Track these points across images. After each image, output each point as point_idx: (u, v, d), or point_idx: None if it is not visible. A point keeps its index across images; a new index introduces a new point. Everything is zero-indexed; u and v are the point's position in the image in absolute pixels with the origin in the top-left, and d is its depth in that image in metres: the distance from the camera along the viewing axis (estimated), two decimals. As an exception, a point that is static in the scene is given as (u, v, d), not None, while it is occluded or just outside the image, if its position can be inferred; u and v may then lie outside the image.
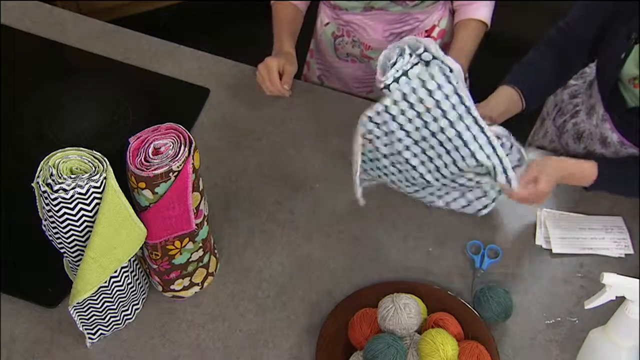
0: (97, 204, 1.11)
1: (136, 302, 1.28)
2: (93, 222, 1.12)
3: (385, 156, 1.34)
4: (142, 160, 1.11)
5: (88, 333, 1.24)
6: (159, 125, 1.15)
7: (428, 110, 1.25)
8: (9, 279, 1.31)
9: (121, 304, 1.24)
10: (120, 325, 1.28)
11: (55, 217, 1.11)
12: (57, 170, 1.09)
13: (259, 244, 1.40)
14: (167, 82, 1.66)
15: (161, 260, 1.22)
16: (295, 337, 1.28)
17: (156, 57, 1.71)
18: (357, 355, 1.20)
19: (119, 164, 1.13)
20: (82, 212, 1.10)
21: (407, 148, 1.30)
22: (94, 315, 1.22)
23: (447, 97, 1.24)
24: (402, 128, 1.28)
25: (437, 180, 1.33)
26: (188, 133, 1.14)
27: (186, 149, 1.12)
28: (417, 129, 1.28)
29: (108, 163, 1.12)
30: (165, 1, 3.03)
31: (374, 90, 1.77)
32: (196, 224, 1.20)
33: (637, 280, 1.04)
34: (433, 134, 1.27)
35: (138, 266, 1.25)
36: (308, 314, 1.30)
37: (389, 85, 1.27)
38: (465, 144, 1.26)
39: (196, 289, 1.32)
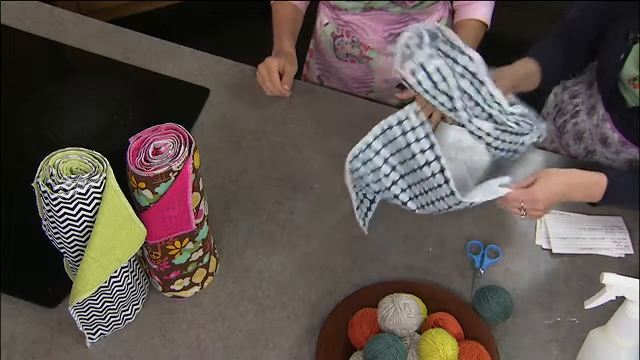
0: (97, 204, 1.11)
1: (136, 302, 1.28)
2: (93, 222, 1.12)
3: (377, 192, 1.35)
4: (142, 160, 1.11)
5: (88, 333, 1.24)
6: (159, 125, 1.15)
7: (409, 145, 1.26)
8: (9, 279, 1.31)
9: (121, 304, 1.24)
10: (120, 325, 1.28)
11: (55, 217, 1.11)
12: (57, 170, 1.09)
13: (259, 244, 1.40)
14: (167, 82, 1.66)
15: (161, 260, 1.22)
16: (295, 337, 1.28)
17: (156, 57, 1.71)
18: (357, 355, 1.20)
19: (119, 164, 1.13)
20: (82, 212, 1.10)
21: (395, 182, 1.31)
22: (94, 315, 1.22)
23: (417, 140, 1.25)
24: (386, 161, 1.29)
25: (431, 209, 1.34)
26: (188, 133, 1.14)
27: (186, 149, 1.12)
28: (402, 162, 1.29)
29: (108, 163, 1.12)
30: (165, 1, 3.03)
31: (373, 91, 1.77)
32: (196, 224, 1.20)
33: (637, 280, 1.04)
34: (415, 170, 1.28)
35: (138, 266, 1.25)
36: (308, 314, 1.30)
37: (411, 84, 1.28)
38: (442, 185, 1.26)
39: (196, 289, 1.32)
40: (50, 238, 1.19)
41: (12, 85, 1.63)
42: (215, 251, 1.34)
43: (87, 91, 1.65)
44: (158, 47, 1.74)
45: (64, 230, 1.13)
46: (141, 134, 1.14)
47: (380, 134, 1.27)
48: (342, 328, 1.25)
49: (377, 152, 1.29)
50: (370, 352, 1.16)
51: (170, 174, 1.11)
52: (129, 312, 1.27)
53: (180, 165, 1.11)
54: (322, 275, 1.36)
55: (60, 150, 1.12)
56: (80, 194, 1.08)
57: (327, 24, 1.72)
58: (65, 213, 1.10)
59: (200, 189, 1.19)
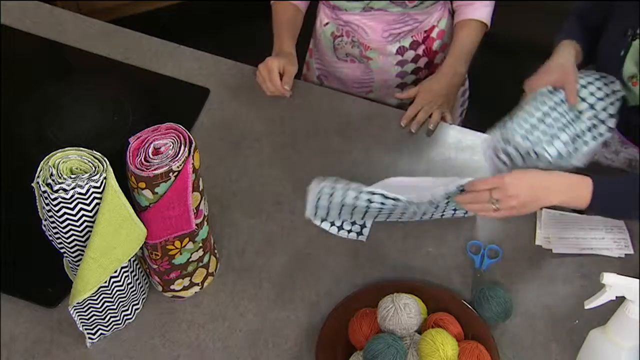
0: (97, 204, 1.11)
1: (136, 302, 1.28)
2: (93, 222, 1.12)
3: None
4: (142, 160, 1.11)
5: (88, 333, 1.24)
6: (159, 125, 1.15)
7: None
8: (9, 279, 1.31)
9: (121, 304, 1.24)
10: (120, 325, 1.28)
11: (55, 217, 1.11)
12: (57, 170, 1.09)
13: (259, 244, 1.40)
14: (167, 82, 1.66)
15: (161, 260, 1.22)
16: (295, 337, 1.28)
17: (156, 57, 1.71)
18: (357, 355, 1.20)
19: (119, 164, 1.13)
20: (82, 212, 1.10)
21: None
22: (94, 315, 1.22)
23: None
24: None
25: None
26: (188, 133, 1.14)
27: (186, 149, 1.12)
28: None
29: (108, 163, 1.12)
30: (165, 1, 3.03)
31: (373, 91, 1.77)
32: (196, 224, 1.20)
33: (637, 280, 1.04)
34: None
35: (138, 266, 1.25)
36: (308, 314, 1.30)
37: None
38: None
39: (196, 289, 1.32)
40: (50, 238, 1.19)
41: (12, 85, 1.63)
42: (215, 251, 1.34)
43: (87, 91, 1.65)
44: (158, 47, 1.74)
45: (64, 230, 1.13)
46: (141, 134, 1.14)
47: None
48: (342, 328, 1.25)
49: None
50: (370, 352, 1.16)
51: (170, 174, 1.11)
52: (129, 312, 1.27)
53: (180, 165, 1.11)
54: (322, 275, 1.36)
55: (60, 150, 1.12)
56: (80, 194, 1.08)
57: (327, 23, 1.72)
58: (65, 213, 1.10)
59: (200, 189, 1.19)
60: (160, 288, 1.30)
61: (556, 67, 1.36)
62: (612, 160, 1.49)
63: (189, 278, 1.29)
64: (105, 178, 1.10)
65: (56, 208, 1.09)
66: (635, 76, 1.33)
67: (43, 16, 1.79)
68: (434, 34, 1.68)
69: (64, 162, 1.10)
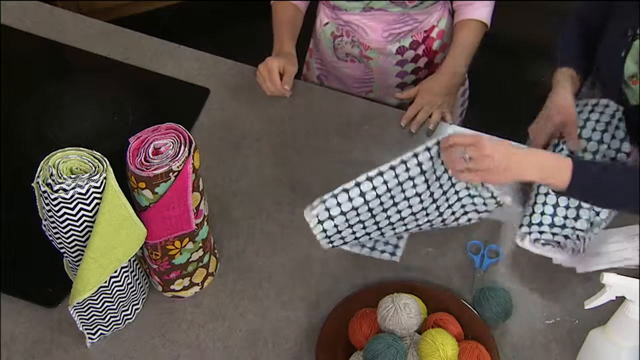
0: (97, 204, 1.11)
1: (136, 302, 1.28)
2: (93, 222, 1.12)
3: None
4: (142, 160, 1.11)
5: (88, 333, 1.24)
6: (159, 125, 1.15)
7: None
8: (9, 279, 1.31)
9: (121, 304, 1.24)
10: (120, 325, 1.27)
11: (55, 217, 1.11)
12: (57, 170, 1.09)
13: (259, 244, 1.40)
14: (167, 82, 1.66)
15: (161, 260, 1.22)
16: (295, 337, 1.28)
17: (156, 57, 1.71)
18: (357, 355, 1.20)
19: (119, 164, 1.13)
20: (82, 212, 1.10)
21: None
22: (94, 315, 1.22)
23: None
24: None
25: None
26: (188, 133, 1.14)
27: (186, 149, 1.12)
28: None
29: (108, 163, 1.12)
30: (165, 1, 3.03)
31: (373, 90, 1.77)
32: (196, 224, 1.20)
33: (637, 280, 1.04)
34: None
35: (138, 266, 1.25)
36: (308, 314, 1.30)
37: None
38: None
39: (196, 289, 1.32)
40: (50, 238, 1.19)
41: (12, 85, 1.63)
42: (215, 251, 1.34)
43: (87, 91, 1.65)
44: (158, 47, 1.74)
45: (64, 230, 1.13)
46: (141, 134, 1.14)
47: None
48: (342, 328, 1.25)
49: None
50: (370, 352, 1.16)
51: (170, 174, 1.11)
52: (129, 312, 1.27)
53: (180, 165, 1.11)
54: (322, 275, 1.36)
55: (60, 150, 1.12)
56: (80, 194, 1.08)
57: (326, 23, 1.72)
58: (65, 213, 1.10)
59: (200, 189, 1.19)
60: (160, 288, 1.30)
61: (557, 110, 1.37)
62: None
63: (189, 278, 1.29)
64: (105, 178, 1.10)
65: (56, 208, 1.09)
66: (635, 75, 1.33)
67: (43, 16, 1.79)
68: (433, 34, 1.68)
69: (64, 162, 1.10)
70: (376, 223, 1.31)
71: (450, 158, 1.24)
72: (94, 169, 1.11)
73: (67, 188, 1.08)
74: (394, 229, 1.33)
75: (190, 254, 1.24)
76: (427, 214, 1.33)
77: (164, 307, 1.31)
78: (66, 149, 1.12)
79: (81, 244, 1.15)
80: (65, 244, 1.16)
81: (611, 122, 1.39)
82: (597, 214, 1.35)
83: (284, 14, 1.68)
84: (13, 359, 1.24)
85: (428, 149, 1.26)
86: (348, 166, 1.49)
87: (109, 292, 1.19)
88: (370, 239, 1.34)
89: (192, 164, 1.13)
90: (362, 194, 1.26)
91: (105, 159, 1.12)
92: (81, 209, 1.10)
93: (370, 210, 1.28)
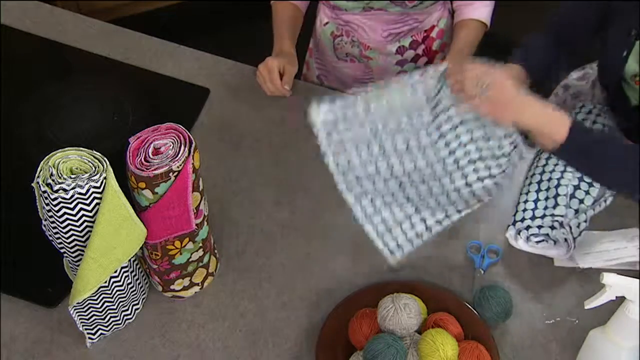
0: (97, 204, 1.11)
1: (136, 302, 1.28)
2: (93, 222, 1.12)
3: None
4: (142, 160, 1.11)
5: (88, 333, 1.24)
6: (159, 125, 1.15)
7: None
8: (9, 279, 1.31)
9: (121, 304, 1.24)
10: (120, 325, 1.28)
11: (55, 217, 1.11)
12: (57, 170, 1.09)
13: (259, 244, 1.40)
14: (167, 82, 1.66)
15: (161, 260, 1.22)
16: (295, 337, 1.28)
17: (156, 57, 1.71)
18: (357, 355, 1.20)
19: (119, 164, 1.13)
20: (82, 212, 1.10)
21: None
22: (94, 315, 1.22)
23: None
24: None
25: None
26: (188, 133, 1.14)
27: (186, 149, 1.12)
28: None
29: (108, 163, 1.12)
30: (165, 1, 3.03)
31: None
32: (196, 224, 1.20)
33: (637, 280, 1.04)
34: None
35: (138, 266, 1.25)
36: (308, 314, 1.30)
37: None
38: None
39: (196, 289, 1.32)
40: (50, 238, 1.19)
41: (12, 85, 1.63)
42: (215, 251, 1.34)
43: (87, 91, 1.65)
44: (158, 47, 1.74)
45: (64, 230, 1.13)
46: (141, 134, 1.14)
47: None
48: (342, 328, 1.25)
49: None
50: (370, 352, 1.16)
51: (170, 174, 1.11)
52: (129, 312, 1.27)
53: (180, 165, 1.11)
54: (322, 275, 1.36)
55: (60, 150, 1.12)
56: (80, 194, 1.08)
57: (326, 23, 1.72)
58: (65, 213, 1.10)
59: (200, 189, 1.19)
60: (160, 288, 1.30)
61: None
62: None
63: (189, 278, 1.29)
64: (105, 178, 1.10)
65: (56, 208, 1.09)
66: (637, 75, 1.33)
67: (43, 16, 1.79)
68: (433, 34, 1.68)
69: (64, 162, 1.10)
70: (381, 147, 1.25)
71: (461, 84, 1.21)
72: (94, 169, 1.11)
73: (67, 188, 1.08)
74: (401, 165, 1.27)
75: (190, 254, 1.24)
76: (434, 171, 1.28)
77: (164, 307, 1.31)
78: (66, 149, 1.12)
79: (81, 244, 1.15)
80: (65, 244, 1.16)
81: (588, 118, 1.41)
82: (581, 201, 1.36)
83: (284, 14, 1.68)
84: (13, 359, 1.24)
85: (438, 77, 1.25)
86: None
87: (109, 292, 1.19)
88: (375, 190, 1.28)
89: (192, 164, 1.13)
90: (367, 107, 1.24)
91: (105, 159, 1.12)
92: (81, 209, 1.10)
93: (373, 125, 1.24)
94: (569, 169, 1.38)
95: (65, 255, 1.20)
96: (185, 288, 1.30)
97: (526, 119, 1.20)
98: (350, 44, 1.70)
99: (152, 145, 1.12)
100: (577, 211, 1.36)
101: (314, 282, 1.35)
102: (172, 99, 1.65)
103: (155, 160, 1.11)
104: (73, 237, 1.14)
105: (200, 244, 1.24)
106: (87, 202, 1.10)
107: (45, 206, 1.11)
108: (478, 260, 1.37)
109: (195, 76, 1.68)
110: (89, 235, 1.12)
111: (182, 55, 1.73)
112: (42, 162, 1.10)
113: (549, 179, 1.38)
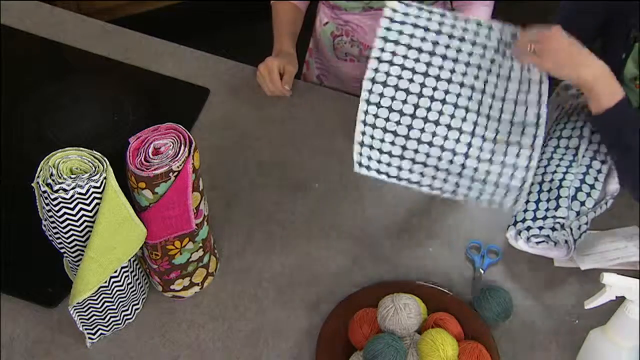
0: (97, 204, 1.11)
1: (136, 302, 1.28)
2: (93, 222, 1.12)
3: (404, 101, 1.26)
4: (142, 160, 1.11)
5: (88, 333, 1.24)
6: (159, 125, 1.15)
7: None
8: (9, 279, 1.31)
9: (121, 304, 1.24)
10: (120, 325, 1.28)
11: (55, 217, 1.11)
12: (57, 170, 1.09)
13: (259, 244, 1.40)
14: (167, 82, 1.66)
15: (161, 260, 1.23)
16: (295, 337, 1.28)
17: (156, 57, 1.71)
18: (357, 355, 1.20)
19: (119, 164, 1.13)
20: (82, 212, 1.10)
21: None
22: (94, 315, 1.22)
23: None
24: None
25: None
26: (188, 133, 1.14)
27: (186, 149, 1.12)
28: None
29: (108, 163, 1.12)
30: (165, 1, 3.03)
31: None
32: (196, 224, 1.20)
33: (637, 280, 1.04)
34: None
35: (138, 266, 1.25)
36: (308, 314, 1.30)
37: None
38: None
39: (196, 289, 1.32)
40: (50, 238, 1.19)
41: (12, 85, 1.63)
42: (215, 251, 1.34)
43: (87, 91, 1.65)
44: (158, 47, 1.74)
45: (64, 230, 1.13)
46: (141, 134, 1.14)
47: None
48: (342, 328, 1.25)
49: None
50: (370, 352, 1.16)
51: (170, 174, 1.11)
52: (129, 312, 1.27)
53: (180, 165, 1.11)
54: (322, 275, 1.36)
55: (60, 150, 1.12)
56: (80, 194, 1.08)
57: (326, 23, 1.72)
58: (65, 213, 1.10)
59: (200, 189, 1.19)
60: (160, 288, 1.30)
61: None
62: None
63: (189, 278, 1.29)
64: (105, 178, 1.10)
65: (56, 208, 1.09)
66: (636, 78, 1.33)
67: (43, 16, 1.79)
68: (434, 34, 1.68)
69: (64, 162, 1.10)
70: (425, 82, 1.24)
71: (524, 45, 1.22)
72: (94, 169, 1.11)
73: (67, 188, 1.08)
74: (443, 104, 1.25)
75: (190, 254, 1.24)
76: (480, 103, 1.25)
77: (164, 307, 1.31)
78: (66, 149, 1.12)
79: (81, 244, 1.15)
80: (65, 244, 1.16)
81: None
82: (582, 203, 1.36)
83: (284, 14, 1.68)
84: (13, 359, 1.24)
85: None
86: (348, 166, 1.49)
87: (109, 292, 1.19)
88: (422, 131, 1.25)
89: (192, 164, 1.13)
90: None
91: (105, 159, 1.12)
92: (81, 209, 1.10)
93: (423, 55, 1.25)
94: (571, 170, 1.38)
95: (65, 255, 1.20)
96: (185, 288, 1.30)
97: (583, 73, 1.20)
98: (350, 43, 1.71)
99: (152, 145, 1.12)
100: (578, 213, 1.36)
101: (314, 282, 1.35)
102: (172, 99, 1.65)
103: (155, 160, 1.11)
104: (73, 237, 1.14)
105: (200, 244, 1.24)
106: (87, 202, 1.10)
107: (45, 206, 1.11)
108: (478, 260, 1.37)
109: (195, 76, 1.68)
110: (89, 235, 1.12)
111: (182, 55, 1.73)
112: (42, 162, 1.10)
113: (551, 180, 1.38)
